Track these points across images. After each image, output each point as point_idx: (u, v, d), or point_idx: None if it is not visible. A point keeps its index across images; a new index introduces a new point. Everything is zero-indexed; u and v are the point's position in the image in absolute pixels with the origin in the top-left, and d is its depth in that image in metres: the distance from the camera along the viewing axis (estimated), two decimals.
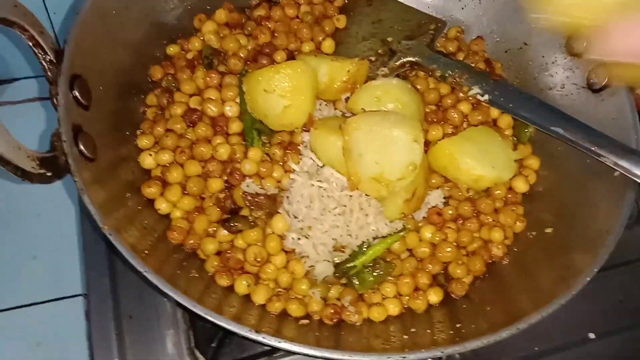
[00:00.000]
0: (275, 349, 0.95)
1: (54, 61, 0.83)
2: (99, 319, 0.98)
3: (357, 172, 0.90)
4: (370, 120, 0.89)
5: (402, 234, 0.93)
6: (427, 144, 0.98)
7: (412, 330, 0.85)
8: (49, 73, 0.83)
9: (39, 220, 1.27)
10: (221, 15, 1.09)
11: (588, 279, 0.79)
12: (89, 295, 1.01)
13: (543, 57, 1.09)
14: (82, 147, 0.81)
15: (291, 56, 1.08)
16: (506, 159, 1.01)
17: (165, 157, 0.94)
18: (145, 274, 0.75)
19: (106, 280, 1.01)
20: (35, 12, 0.83)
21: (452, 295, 0.92)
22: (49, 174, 0.75)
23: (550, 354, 1.01)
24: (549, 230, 0.95)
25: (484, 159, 0.98)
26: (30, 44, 0.81)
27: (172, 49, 1.07)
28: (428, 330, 0.85)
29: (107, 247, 1.04)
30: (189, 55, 1.05)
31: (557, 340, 1.02)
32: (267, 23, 1.10)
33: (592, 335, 1.03)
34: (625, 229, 0.86)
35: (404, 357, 0.74)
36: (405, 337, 0.84)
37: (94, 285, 1.02)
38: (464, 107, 1.06)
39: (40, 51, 0.82)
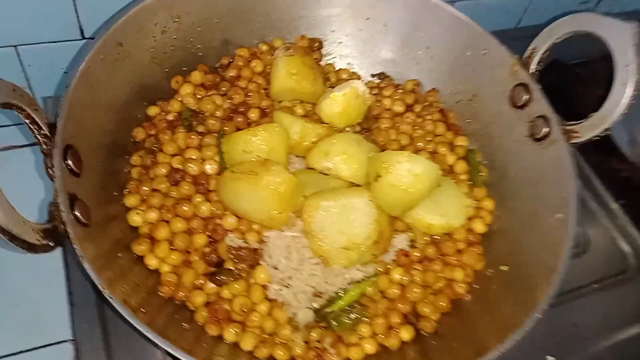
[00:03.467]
0: None
1: (48, 135, 0.89)
2: None
3: (325, 248, 0.98)
4: (325, 197, 0.97)
5: (374, 278, 1.02)
6: None
7: None
8: (44, 146, 0.89)
9: (20, 266, 1.28)
10: (197, 76, 1.17)
11: (539, 315, 0.88)
12: (80, 346, 1.05)
13: (491, 108, 1.20)
14: (78, 214, 0.86)
15: (264, 113, 1.17)
16: (458, 206, 1.11)
17: (153, 215, 1.01)
18: (146, 333, 0.81)
19: (97, 330, 1.05)
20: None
21: (423, 332, 1.01)
22: (51, 244, 0.81)
23: None
24: (504, 267, 1.05)
25: (433, 209, 1.07)
26: (27, 121, 0.86)
27: (152, 110, 1.14)
28: None
29: (97, 297, 1.08)
30: (169, 117, 1.12)
31: None
32: (239, 83, 1.19)
33: (551, 359, 1.12)
34: (574, 257, 0.99)
35: None
36: None
37: (85, 336, 1.05)
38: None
39: (35, 127, 0.88)
